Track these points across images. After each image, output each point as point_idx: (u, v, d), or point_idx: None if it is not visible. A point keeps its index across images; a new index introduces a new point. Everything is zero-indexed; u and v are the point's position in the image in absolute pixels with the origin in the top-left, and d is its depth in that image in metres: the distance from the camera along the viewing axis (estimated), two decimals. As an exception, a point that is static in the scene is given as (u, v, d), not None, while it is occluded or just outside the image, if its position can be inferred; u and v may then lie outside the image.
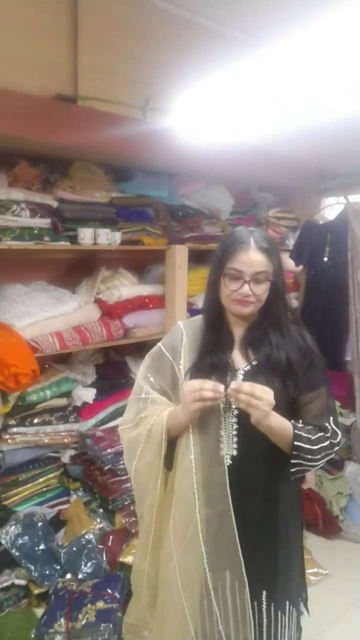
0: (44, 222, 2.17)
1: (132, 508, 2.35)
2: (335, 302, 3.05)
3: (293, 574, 1.46)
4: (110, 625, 1.86)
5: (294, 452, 1.26)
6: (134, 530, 2.25)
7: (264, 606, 1.37)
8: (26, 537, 2.19)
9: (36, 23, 1.83)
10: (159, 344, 1.50)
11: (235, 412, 1.32)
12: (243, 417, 1.29)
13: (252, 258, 1.29)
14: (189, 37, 2.19)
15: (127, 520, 2.30)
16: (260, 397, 1.18)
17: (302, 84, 1.98)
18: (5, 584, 2.12)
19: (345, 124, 2.48)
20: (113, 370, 2.76)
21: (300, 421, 1.33)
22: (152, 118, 2.13)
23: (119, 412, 2.62)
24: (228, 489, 1.29)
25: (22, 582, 2.15)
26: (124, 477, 2.35)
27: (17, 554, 2.15)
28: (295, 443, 1.26)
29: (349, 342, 3.03)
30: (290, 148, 2.87)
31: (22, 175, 2.19)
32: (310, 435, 1.29)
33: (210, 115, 2.15)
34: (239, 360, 1.38)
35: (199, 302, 2.75)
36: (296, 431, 1.27)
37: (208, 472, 1.31)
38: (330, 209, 3.26)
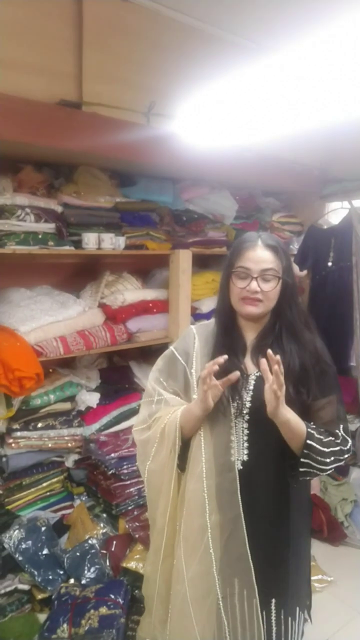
0: (49, 227, 2.18)
1: (135, 513, 2.34)
2: (340, 307, 3.04)
3: (302, 580, 1.46)
4: (113, 631, 1.85)
5: (305, 451, 1.25)
6: (137, 536, 2.25)
7: (273, 614, 1.37)
8: (29, 542, 2.18)
9: (41, 29, 1.84)
10: (172, 347, 1.50)
11: (247, 417, 1.32)
12: (254, 422, 1.31)
13: (259, 255, 1.32)
14: (193, 43, 2.20)
15: (130, 525, 2.29)
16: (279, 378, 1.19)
17: (305, 89, 1.99)
18: (8, 589, 2.12)
19: (349, 129, 2.49)
20: (117, 374, 2.76)
21: (312, 424, 1.33)
22: (156, 123, 2.14)
23: (123, 417, 2.62)
24: (239, 495, 1.29)
25: (26, 587, 2.15)
26: (128, 482, 2.35)
27: (20, 558, 2.15)
28: (308, 442, 1.25)
29: (353, 347, 3.01)
30: (294, 153, 2.88)
31: (27, 180, 2.21)
32: (322, 437, 1.29)
33: (214, 120, 2.16)
34: (251, 366, 1.37)
35: (203, 307, 2.75)
36: (309, 430, 1.27)
37: (219, 477, 1.31)
38: (334, 213, 3.26)
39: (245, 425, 1.33)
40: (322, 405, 1.36)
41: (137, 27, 2.05)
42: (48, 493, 2.45)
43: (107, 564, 2.24)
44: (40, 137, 1.87)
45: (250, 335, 1.41)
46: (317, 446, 1.26)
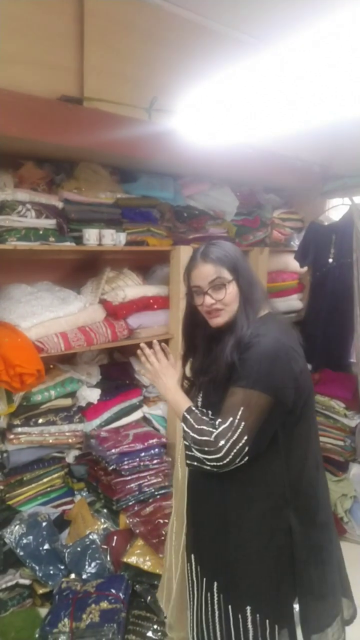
0: (50, 223, 2.17)
1: (136, 508, 2.35)
2: (340, 304, 3.04)
3: (266, 585, 1.38)
4: (114, 626, 1.87)
5: (182, 433, 1.36)
6: (138, 531, 2.25)
7: (215, 597, 1.42)
8: (30, 537, 2.19)
9: (42, 25, 1.84)
10: None
11: (200, 401, 1.48)
12: (204, 405, 1.45)
13: (201, 271, 1.40)
14: (194, 39, 2.19)
15: (131, 520, 2.30)
16: (156, 366, 1.50)
17: (306, 85, 1.99)
18: (9, 584, 2.13)
19: (350, 125, 2.49)
20: (117, 370, 2.76)
21: (210, 413, 1.39)
22: (157, 119, 2.14)
23: (123, 413, 2.62)
24: (182, 466, 1.54)
25: (27, 581, 2.16)
26: (128, 478, 2.36)
27: (21, 553, 2.16)
28: (181, 423, 1.37)
29: (354, 343, 3.02)
30: (295, 149, 2.87)
31: (28, 176, 2.20)
32: (194, 422, 1.34)
33: (215, 116, 2.16)
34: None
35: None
36: (185, 413, 1.37)
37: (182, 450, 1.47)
38: (335, 210, 3.26)
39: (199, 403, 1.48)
40: (228, 394, 1.31)
41: (138, 23, 2.04)
42: (49, 489, 2.46)
43: (108, 559, 2.25)
44: (41, 133, 1.87)
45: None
46: (188, 430, 1.33)
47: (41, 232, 2.13)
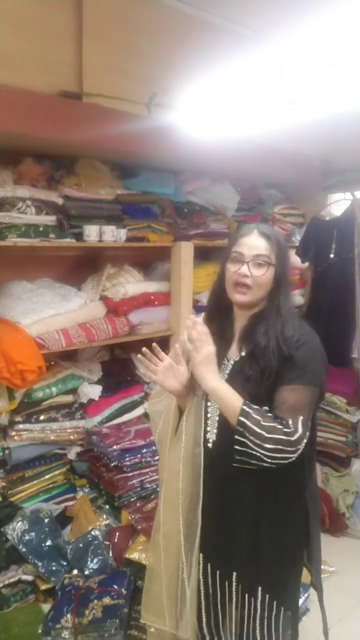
0: (50, 219, 2.17)
1: (138, 504, 2.35)
2: (342, 299, 3.03)
3: (278, 568, 1.44)
4: (117, 621, 1.87)
5: (239, 428, 1.23)
6: (140, 527, 2.26)
7: (234, 585, 1.44)
8: (33, 533, 2.20)
9: (41, 20, 1.83)
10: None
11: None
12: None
13: (253, 241, 1.36)
14: (193, 33, 2.18)
15: (133, 516, 2.30)
16: (203, 340, 1.31)
17: (306, 79, 1.98)
18: (12, 580, 2.14)
19: (351, 119, 2.47)
20: (119, 367, 2.76)
21: (265, 408, 1.30)
22: (157, 114, 2.13)
23: (124, 409, 2.62)
24: (202, 471, 1.39)
25: (29, 577, 2.17)
26: (130, 474, 2.36)
27: (24, 549, 2.16)
28: (240, 418, 1.24)
29: (355, 339, 3.01)
30: (296, 144, 2.86)
31: (28, 172, 2.19)
32: (260, 419, 1.24)
33: (215, 111, 2.15)
34: (234, 352, 1.43)
35: (205, 299, 2.75)
36: (245, 407, 1.25)
37: (191, 451, 1.42)
38: (337, 205, 3.25)
39: (217, 405, 1.37)
40: (286, 391, 1.30)
41: (137, 17, 2.03)
42: (51, 485, 2.47)
43: (110, 555, 2.25)
44: (40, 129, 1.86)
45: (240, 323, 1.44)
46: (253, 427, 1.22)
47: (41, 229, 2.13)
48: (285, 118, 2.25)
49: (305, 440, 1.27)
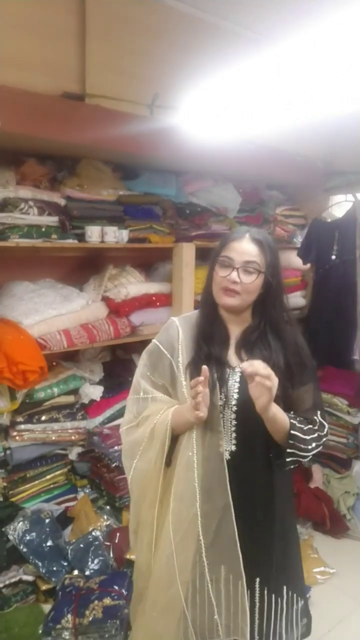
0: (52, 220, 2.17)
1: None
2: (344, 301, 3.03)
3: (291, 562, 1.52)
4: (117, 622, 1.87)
5: (290, 442, 1.30)
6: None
7: (257, 592, 1.42)
8: (34, 534, 2.20)
9: (44, 21, 1.83)
10: (155, 341, 1.51)
11: (234, 408, 1.35)
12: (241, 413, 1.34)
13: (243, 246, 1.33)
14: (196, 35, 2.18)
15: (134, 517, 2.30)
16: (272, 378, 1.20)
17: (308, 81, 1.98)
18: (13, 580, 2.14)
19: (353, 121, 2.47)
20: (120, 368, 2.77)
21: (292, 413, 1.38)
22: (159, 115, 2.13)
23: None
24: (228, 484, 1.31)
25: (30, 578, 2.17)
26: (131, 475, 2.36)
27: (24, 550, 2.16)
28: (292, 432, 1.30)
29: (357, 340, 3.01)
30: (298, 146, 2.86)
31: (30, 173, 2.20)
32: (302, 426, 1.35)
33: (217, 112, 2.15)
34: (234, 359, 1.39)
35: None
36: (292, 421, 1.31)
37: (208, 467, 1.33)
38: (338, 206, 3.25)
39: (233, 416, 1.35)
40: (302, 393, 1.41)
41: (140, 19, 2.03)
42: (52, 485, 2.47)
43: (111, 555, 2.25)
44: (43, 130, 1.86)
45: (233, 328, 1.42)
46: (300, 435, 1.31)
47: (43, 230, 2.13)
48: (287, 119, 2.25)
49: (328, 431, 1.42)
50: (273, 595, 1.44)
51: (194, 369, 1.37)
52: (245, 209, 3.01)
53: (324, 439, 1.40)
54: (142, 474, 1.43)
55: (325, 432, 1.40)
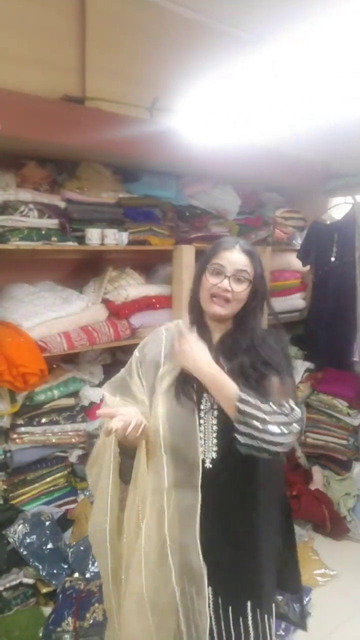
0: (52, 223, 2.18)
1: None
2: (343, 302, 3.04)
3: (274, 577, 1.44)
4: (118, 625, 1.87)
5: (240, 416, 1.18)
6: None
7: (250, 618, 1.35)
8: (34, 536, 2.20)
9: (44, 25, 1.84)
10: (135, 357, 1.48)
11: (216, 412, 1.31)
12: (223, 419, 1.28)
13: (235, 256, 1.35)
14: (195, 38, 2.19)
15: (134, 519, 2.30)
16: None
17: (308, 83, 1.98)
18: (13, 583, 2.13)
19: (352, 123, 2.47)
20: (120, 370, 2.76)
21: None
22: (159, 118, 2.14)
23: (126, 412, 2.62)
24: (199, 510, 1.26)
25: (30, 580, 2.16)
26: (131, 477, 2.36)
27: (25, 552, 2.16)
28: (239, 405, 1.18)
29: (356, 342, 3.01)
30: (297, 148, 2.87)
31: (30, 176, 2.21)
32: (259, 403, 1.20)
33: (217, 115, 2.15)
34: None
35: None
36: (242, 394, 1.20)
37: (181, 482, 1.28)
38: (337, 208, 3.25)
39: (215, 421, 1.32)
40: (270, 381, 1.31)
41: (140, 22, 2.04)
42: (52, 488, 2.47)
43: (111, 558, 2.25)
44: (43, 133, 1.87)
45: (216, 333, 1.41)
46: (254, 412, 1.18)
47: (44, 232, 2.14)
48: (286, 122, 2.26)
49: (303, 420, 1.33)
50: (266, 616, 1.38)
51: (180, 378, 1.34)
52: (244, 211, 3.02)
53: (297, 427, 1.23)
54: (98, 493, 1.38)
55: (298, 419, 1.23)
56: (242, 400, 1.19)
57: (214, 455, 1.31)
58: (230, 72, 2.04)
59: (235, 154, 2.47)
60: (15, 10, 1.76)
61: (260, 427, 1.17)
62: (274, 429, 1.18)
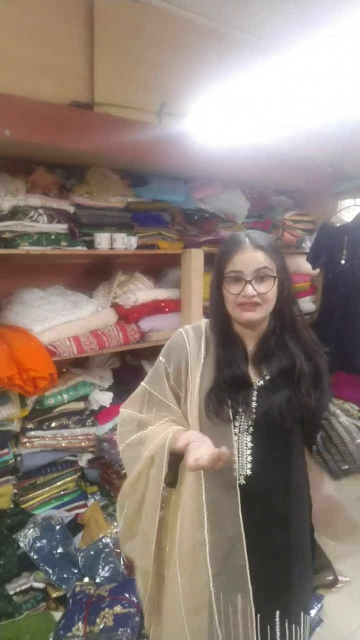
0: (62, 228, 2.19)
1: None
2: (353, 305, 3.01)
3: (307, 586, 1.43)
4: (128, 630, 1.86)
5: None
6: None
7: (278, 627, 1.33)
8: (44, 541, 2.20)
9: (53, 31, 1.85)
10: (164, 359, 1.40)
11: (251, 429, 1.28)
12: (258, 435, 1.27)
13: (249, 256, 1.23)
14: (203, 42, 2.20)
15: (144, 524, 2.29)
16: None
17: (317, 86, 1.98)
18: (24, 587, 2.14)
19: (362, 125, 2.47)
20: (130, 374, 2.76)
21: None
22: (168, 123, 2.14)
23: (135, 416, 2.62)
24: (240, 513, 1.25)
25: (41, 585, 2.16)
26: (141, 482, 2.35)
27: (35, 557, 2.16)
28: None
29: (367, 345, 2.99)
30: (306, 151, 2.86)
31: (40, 181, 2.22)
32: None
33: (225, 119, 2.16)
34: (253, 377, 1.31)
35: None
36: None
37: (218, 494, 1.27)
38: (347, 211, 3.23)
39: (249, 438, 1.28)
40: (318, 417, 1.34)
41: (148, 27, 2.05)
42: (62, 492, 2.47)
43: (122, 563, 2.24)
44: (52, 139, 1.88)
45: (250, 342, 1.32)
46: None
47: (53, 237, 2.15)
48: (295, 125, 2.25)
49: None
50: (294, 626, 1.36)
51: (212, 393, 1.28)
52: (253, 214, 3.01)
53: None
54: (139, 492, 1.35)
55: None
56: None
57: (249, 472, 1.28)
58: (240, 77, 2.04)
59: (245, 157, 2.47)
60: (23, 18, 1.78)
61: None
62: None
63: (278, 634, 1.33)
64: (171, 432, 1.26)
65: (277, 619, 1.33)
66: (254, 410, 1.27)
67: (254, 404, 1.28)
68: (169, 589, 1.35)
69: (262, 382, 1.29)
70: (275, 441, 1.28)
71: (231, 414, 1.27)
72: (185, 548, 1.30)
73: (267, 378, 1.28)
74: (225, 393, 1.26)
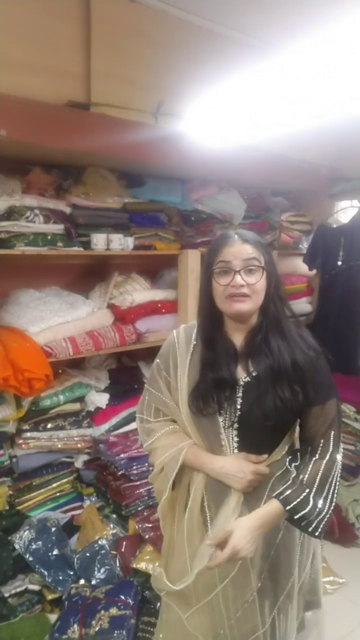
0: (58, 228, 2.18)
1: (145, 514, 2.34)
2: (350, 306, 3.01)
3: (293, 562, 1.46)
4: (124, 632, 1.85)
5: (300, 523, 1.23)
6: (147, 537, 2.24)
7: (264, 612, 1.40)
8: (40, 542, 2.19)
9: (49, 31, 1.85)
10: (159, 360, 1.49)
11: (236, 425, 1.31)
12: (243, 430, 1.32)
13: (238, 248, 1.25)
14: (200, 43, 2.20)
15: (140, 526, 2.29)
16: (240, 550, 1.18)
17: (313, 87, 1.98)
18: (19, 589, 2.13)
19: (358, 127, 2.47)
20: (126, 375, 2.76)
21: (288, 482, 1.26)
22: (164, 123, 2.14)
23: (132, 417, 2.61)
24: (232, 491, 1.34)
25: (36, 587, 2.15)
26: (137, 483, 2.35)
27: (30, 559, 2.15)
28: (295, 517, 1.22)
29: (363, 346, 2.99)
30: (303, 152, 2.86)
31: (36, 181, 2.21)
32: (301, 493, 1.23)
33: (222, 119, 2.15)
34: (239, 372, 1.31)
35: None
36: (286, 507, 1.22)
37: (212, 486, 1.37)
38: (344, 212, 3.24)
39: (235, 432, 1.32)
40: (315, 413, 1.29)
41: (145, 27, 2.05)
42: (58, 494, 2.46)
43: (117, 564, 2.24)
44: (48, 139, 1.87)
45: (239, 336, 1.33)
46: (306, 511, 1.22)
47: (49, 237, 2.14)
48: (292, 126, 2.26)
49: (341, 451, 1.29)
50: (282, 615, 1.42)
51: (197, 394, 1.33)
52: (250, 215, 3.01)
53: (338, 464, 1.27)
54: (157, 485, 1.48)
55: (336, 459, 1.27)
56: (293, 512, 1.22)
57: None
58: (236, 77, 2.04)
59: (241, 158, 2.46)
60: (20, 17, 1.77)
61: (309, 508, 1.22)
62: (329, 491, 1.25)
63: (268, 625, 1.41)
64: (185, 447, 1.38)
65: (266, 610, 1.41)
66: (239, 407, 1.30)
67: (239, 400, 1.30)
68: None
69: (248, 379, 1.30)
70: (261, 435, 1.31)
71: (217, 410, 1.31)
72: (190, 528, 1.41)
73: (254, 374, 1.29)
74: (210, 392, 1.30)
